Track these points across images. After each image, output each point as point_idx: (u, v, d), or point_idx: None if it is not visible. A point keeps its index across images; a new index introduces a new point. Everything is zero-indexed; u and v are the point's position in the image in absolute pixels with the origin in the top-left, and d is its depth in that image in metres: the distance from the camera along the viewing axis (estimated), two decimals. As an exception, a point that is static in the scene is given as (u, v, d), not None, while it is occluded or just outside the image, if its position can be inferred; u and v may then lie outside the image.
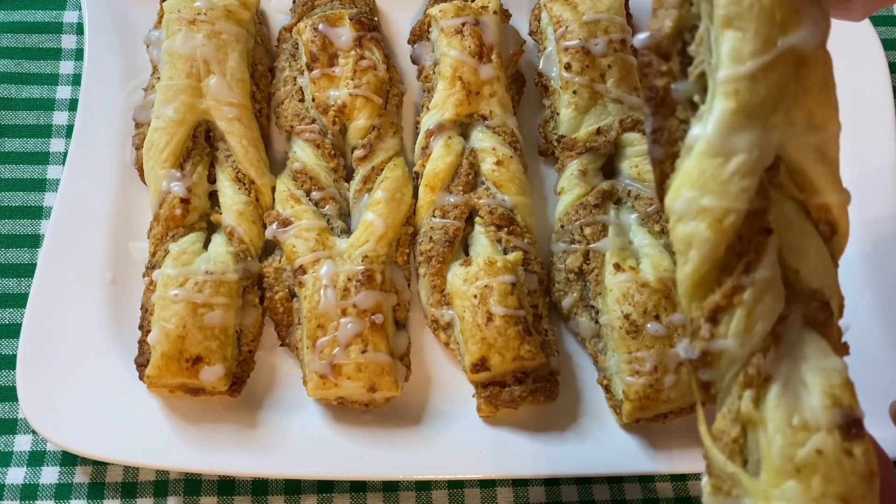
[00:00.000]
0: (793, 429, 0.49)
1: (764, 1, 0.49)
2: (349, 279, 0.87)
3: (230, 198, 0.93)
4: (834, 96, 0.52)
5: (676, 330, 0.84)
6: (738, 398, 0.51)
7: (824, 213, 0.53)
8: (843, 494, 0.48)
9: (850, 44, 1.02)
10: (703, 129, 0.51)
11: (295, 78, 1.00)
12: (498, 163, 0.94)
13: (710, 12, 0.51)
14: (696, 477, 0.92)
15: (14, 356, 0.88)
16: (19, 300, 0.95)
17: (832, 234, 0.54)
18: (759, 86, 0.49)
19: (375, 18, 1.03)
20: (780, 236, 0.52)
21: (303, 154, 0.96)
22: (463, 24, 0.97)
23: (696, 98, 0.52)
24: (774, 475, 0.49)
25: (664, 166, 0.53)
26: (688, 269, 0.52)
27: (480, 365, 0.85)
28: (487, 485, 0.90)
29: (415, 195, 0.96)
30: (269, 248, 0.94)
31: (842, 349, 0.53)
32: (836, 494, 0.48)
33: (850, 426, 0.49)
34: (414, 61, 1.04)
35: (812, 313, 0.52)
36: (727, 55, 0.50)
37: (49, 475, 0.88)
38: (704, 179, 0.51)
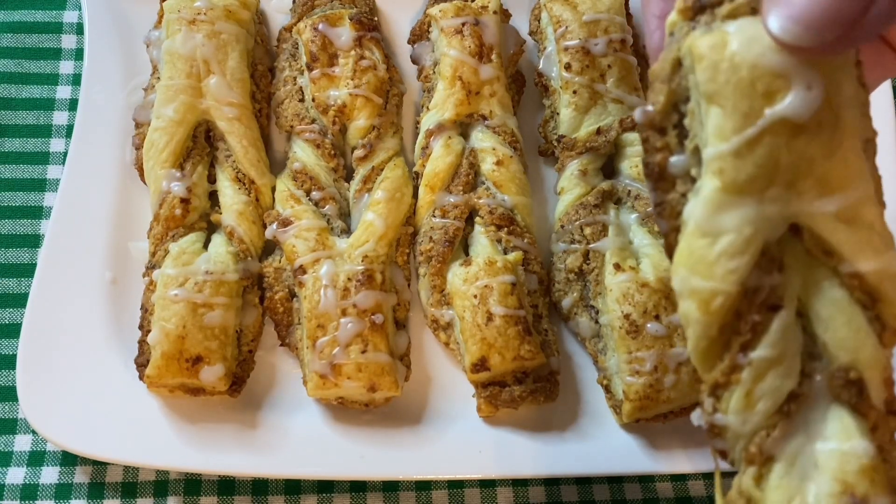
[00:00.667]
0: None
1: (742, 73, 0.46)
2: (349, 279, 0.87)
3: (230, 198, 0.93)
4: (854, 157, 0.49)
5: (676, 330, 0.84)
6: (743, 473, 0.50)
7: (857, 280, 0.49)
8: None
9: (850, 44, 1.02)
10: (694, 208, 0.49)
11: (295, 78, 1.00)
12: (498, 163, 0.94)
13: (698, 86, 0.49)
14: (696, 477, 0.92)
15: (14, 356, 0.88)
16: (19, 300, 0.95)
17: (874, 303, 0.50)
18: (745, 162, 0.47)
19: (375, 18, 1.03)
20: (807, 303, 0.50)
21: (303, 154, 0.96)
22: (463, 24, 0.97)
23: (694, 172, 0.51)
24: None
25: (670, 238, 0.52)
26: (690, 346, 0.52)
27: (480, 365, 0.85)
28: (487, 485, 0.90)
29: (415, 195, 0.96)
30: (269, 248, 0.94)
31: (887, 425, 0.49)
32: None
33: None
34: (414, 61, 1.04)
35: (836, 390, 0.49)
36: (712, 133, 0.48)
37: (49, 475, 0.88)
38: (694, 260, 0.50)
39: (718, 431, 0.52)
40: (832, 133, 0.47)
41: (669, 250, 0.52)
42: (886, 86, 1.02)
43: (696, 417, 0.52)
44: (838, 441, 0.48)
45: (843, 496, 0.46)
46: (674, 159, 0.51)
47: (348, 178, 0.96)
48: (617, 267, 0.88)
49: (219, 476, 0.88)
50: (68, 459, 0.89)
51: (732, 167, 0.47)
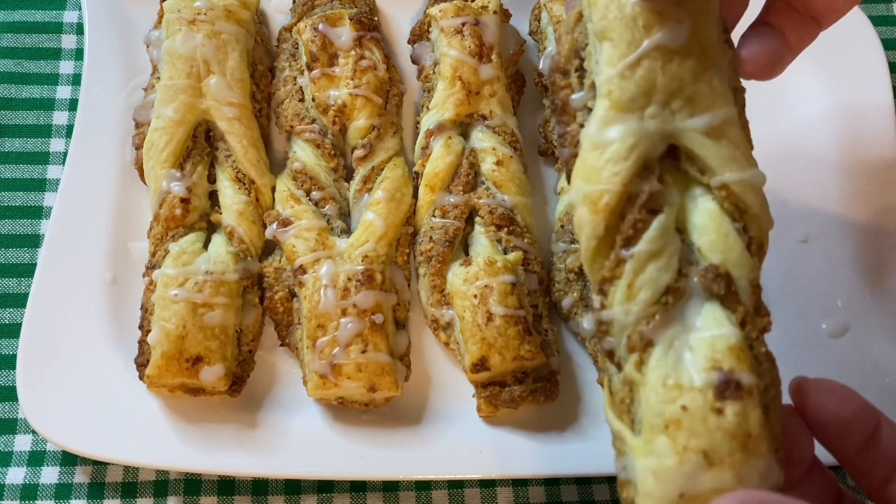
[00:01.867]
0: (665, 388, 0.53)
1: (626, 11, 0.57)
2: (349, 279, 0.87)
3: (230, 198, 0.93)
4: (718, 83, 0.57)
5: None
6: (626, 361, 0.56)
7: (724, 191, 0.57)
8: (706, 449, 0.51)
9: (851, 44, 1.02)
10: (588, 128, 0.58)
11: (295, 78, 1.00)
12: (498, 163, 0.94)
13: (594, 27, 0.58)
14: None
15: (14, 356, 0.88)
16: (19, 300, 0.95)
17: (742, 213, 0.57)
18: (628, 83, 0.56)
19: (375, 18, 1.03)
20: (685, 217, 0.58)
21: (303, 154, 0.96)
22: (463, 24, 0.97)
23: (590, 104, 0.59)
24: (649, 432, 0.54)
25: (570, 164, 0.60)
26: (582, 254, 0.58)
27: (480, 365, 0.85)
28: (487, 485, 0.90)
29: (415, 195, 0.96)
30: (269, 248, 0.94)
31: (754, 323, 0.55)
32: (699, 448, 0.51)
33: (725, 388, 0.51)
34: (414, 61, 1.04)
35: (708, 284, 0.55)
36: (603, 63, 0.57)
37: (49, 475, 0.88)
38: (586, 170, 0.57)
39: (605, 328, 0.57)
40: (698, 60, 0.57)
41: (570, 175, 0.60)
42: (886, 86, 1.02)
43: (587, 322, 0.57)
44: (710, 329, 0.54)
45: (712, 371, 0.52)
46: (575, 96, 0.60)
47: (348, 178, 0.96)
48: (617, 267, 0.88)
49: (219, 476, 0.88)
50: (68, 459, 0.89)
51: (618, 87, 0.56)
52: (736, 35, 0.66)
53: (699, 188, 0.58)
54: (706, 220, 0.57)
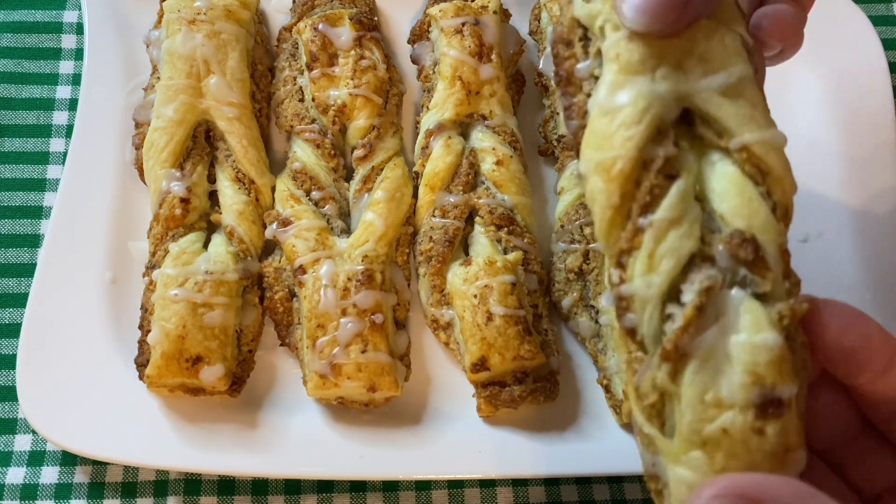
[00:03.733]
0: (704, 405, 0.50)
1: None
2: (349, 279, 0.87)
3: (230, 198, 0.93)
4: (730, 40, 0.54)
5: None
6: (658, 368, 0.52)
7: (745, 153, 0.53)
8: (745, 469, 0.49)
9: (851, 44, 1.02)
10: (596, 96, 0.55)
11: (295, 78, 1.00)
12: (498, 163, 0.94)
13: None
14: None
15: (14, 356, 0.88)
16: (19, 300, 0.95)
17: (764, 176, 0.53)
18: (637, 44, 0.53)
19: (375, 18, 1.03)
20: (703, 185, 0.54)
21: (303, 154, 0.96)
22: (463, 24, 0.97)
23: (596, 72, 0.56)
24: (685, 444, 0.50)
25: (578, 137, 0.57)
26: (596, 227, 0.55)
27: (480, 365, 0.85)
28: (487, 485, 0.90)
29: (415, 195, 0.96)
30: (269, 247, 0.94)
31: (787, 293, 0.52)
32: (737, 468, 0.49)
33: (768, 406, 0.49)
34: (414, 61, 1.04)
35: (733, 250, 0.51)
36: (609, 29, 0.55)
37: (49, 475, 0.88)
38: (597, 138, 0.54)
39: (626, 304, 0.53)
40: (710, 18, 0.54)
41: (578, 147, 0.56)
42: (886, 86, 1.02)
43: (605, 299, 0.55)
44: (749, 333, 0.50)
45: (754, 387, 0.49)
46: (580, 65, 0.57)
47: (348, 178, 0.96)
48: (617, 267, 0.88)
49: (219, 476, 0.88)
50: (68, 459, 0.89)
51: (626, 50, 0.53)
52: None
53: (717, 153, 0.55)
54: (727, 184, 0.53)
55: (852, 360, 0.53)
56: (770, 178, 0.53)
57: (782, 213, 0.54)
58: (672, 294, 0.52)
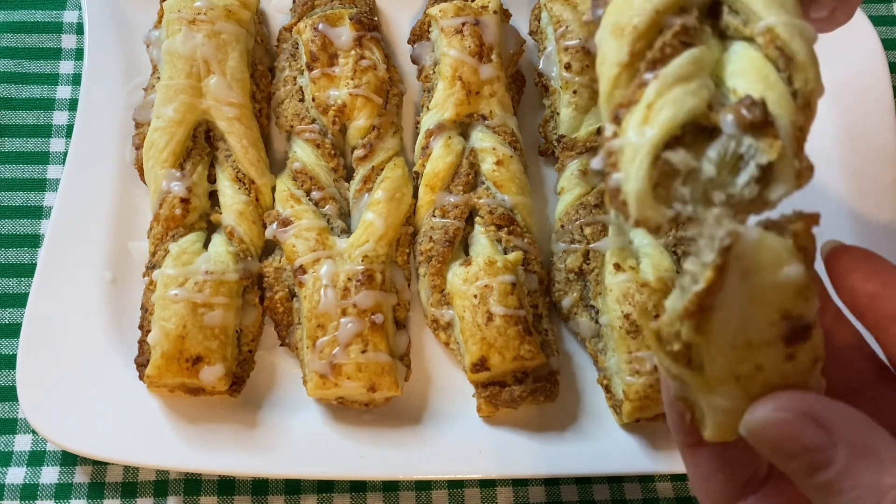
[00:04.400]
0: (735, 349, 0.47)
1: None
2: (349, 279, 0.87)
3: (230, 198, 0.93)
4: None
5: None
6: (680, 326, 0.48)
7: (770, 36, 0.50)
8: (780, 388, 0.48)
9: (851, 44, 1.02)
10: None
11: (295, 78, 1.00)
12: (498, 163, 0.94)
13: None
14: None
15: (14, 356, 0.88)
16: (19, 300, 0.95)
17: (787, 61, 0.49)
18: None
19: (375, 18, 1.03)
20: (722, 71, 0.51)
21: (303, 154, 0.96)
22: (463, 24, 0.97)
23: None
24: (717, 381, 0.48)
25: (599, 18, 0.53)
26: (601, 88, 0.51)
27: (480, 365, 0.85)
28: (487, 485, 0.90)
29: (415, 195, 0.96)
30: (269, 247, 0.94)
31: (797, 176, 0.47)
32: (773, 389, 0.48)
33: (798, 335, 0.47)
34: (414, 61, 1.04)
35: (740, 116, 0.46)
36: None
37: (49, 475, 0.88)
38: (618, 5, 0.51)
39: (614, 160, 0.48)
40: None
41: (597, 32, 0.53)
42: (886, 86, 1.02)
43: (596, 162, 0.50)
44: (770, 272, 0.46)
45: (783, 322, 0.47)
46: None
47: (348, 178, 0.96)
48: (617, 267, 0.88)
49: (219, 476, 0.88)
50: (68, 459, 0.89)
51: None
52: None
53: (741, 43, 0.51)
54: (745, 63, 0.50)
55: (874, 305, 0.53)
56: (793, 65, 0.49)
57: (803, 102, 0.49)
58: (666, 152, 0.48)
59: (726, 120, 0.47)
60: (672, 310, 0.48)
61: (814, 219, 0.48)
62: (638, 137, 0.47)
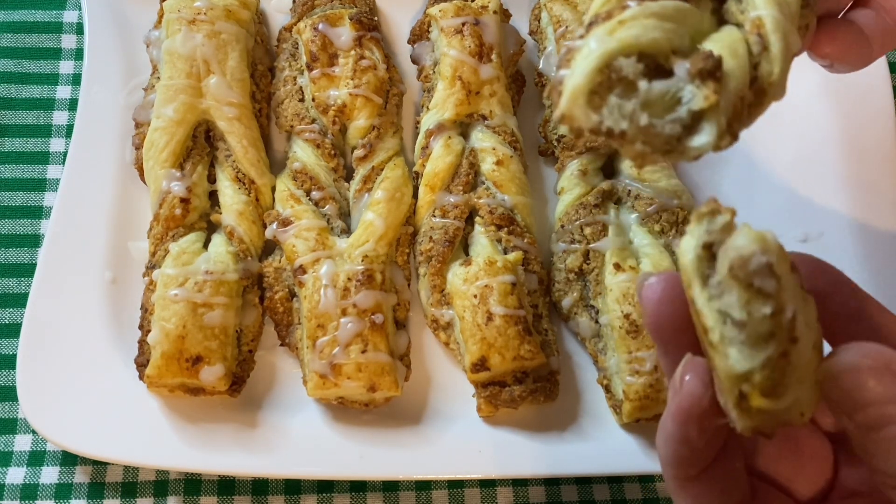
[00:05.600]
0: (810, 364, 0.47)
1: None
2: (349, 279, 0.87)
3: (230, 198, 0.93)
4: None
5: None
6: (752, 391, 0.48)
7: (757, 23, 0.52)
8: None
9: (851, 44, 1.02)
10: None
11: (295, 78, 1.00)
12: (498, 163, 0.94)
13: None
14: (696, 477, 0.91)
15: (14, 356, 0.88)
16: (19, 300, 0.95)
17: (763, 51, 0.52)
18: None
19: (375, 18, 1.03)
20: (706, 36, 0.53)
21: (303, 154, 0.96)
22: (463, 24, 0.97)
23: None
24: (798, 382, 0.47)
25: None
26: (592, 5, 0.52)
27: (480, 365, 0.85)
28: (487, 485, 0.90)
29: (415, 195, 0.96)
30: (269, 247, 0.94)
31: (722, 139, 0.49)
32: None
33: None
34: (414, 61, 1.04)
35: (696, 66, 0.48)
36: None
37: (49, 475, 0.88)
38: None
39: (568, 58, 0.49)
40: None
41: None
42: (886, 85, 1.02)
43: (555, 57, 0.52)
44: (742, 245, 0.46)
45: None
46: None
47: (348, 178, 0.96)
48: (617, 267, 0.88)
49: (219, 476, 0.88)
50: (68, 459, 0.89)
51: None
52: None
53: (731, 26, 0.54)
54: (724, 35, 0.52)
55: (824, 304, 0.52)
56: (766, 55, 0.52)
57: (758, 86, 0.52)
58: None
59: (682, 65, 0.49)
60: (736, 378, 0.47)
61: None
62: (596, 44, 0.49)
